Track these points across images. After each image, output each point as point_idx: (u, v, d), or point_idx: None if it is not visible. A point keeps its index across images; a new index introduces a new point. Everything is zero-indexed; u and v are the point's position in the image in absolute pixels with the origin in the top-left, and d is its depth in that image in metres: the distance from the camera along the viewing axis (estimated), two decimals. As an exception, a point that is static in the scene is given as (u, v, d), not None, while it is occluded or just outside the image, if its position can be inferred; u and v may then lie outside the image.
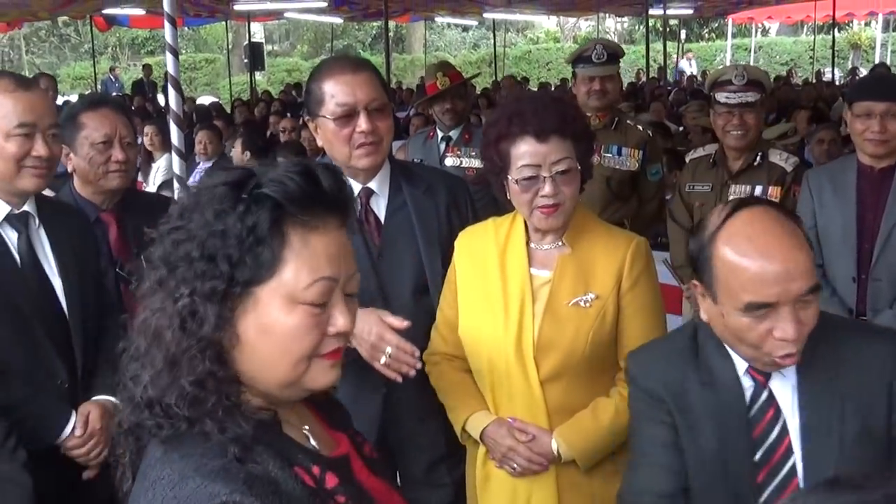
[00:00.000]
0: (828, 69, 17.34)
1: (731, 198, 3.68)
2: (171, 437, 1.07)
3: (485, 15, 14.47)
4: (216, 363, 1.07)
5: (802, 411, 1.66)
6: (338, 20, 15.71)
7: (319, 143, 2.47)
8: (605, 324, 2.07)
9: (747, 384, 1.69)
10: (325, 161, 2.52)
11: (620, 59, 4.31)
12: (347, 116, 2.30)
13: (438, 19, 17.59)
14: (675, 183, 4.30)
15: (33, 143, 2.29)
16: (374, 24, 29.84)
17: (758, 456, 1.67)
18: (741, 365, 1.69)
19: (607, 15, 17.40)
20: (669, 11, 15.16)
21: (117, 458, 1.15)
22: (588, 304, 2.05)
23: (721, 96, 3.57)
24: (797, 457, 1.65)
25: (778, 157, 3.64)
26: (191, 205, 1.10)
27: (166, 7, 4.28)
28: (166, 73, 4.94)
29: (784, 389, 1.67)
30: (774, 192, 3.57)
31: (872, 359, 1.64)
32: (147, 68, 18.58)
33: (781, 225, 1.57)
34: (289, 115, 9.19)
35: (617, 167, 4.02)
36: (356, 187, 2.45)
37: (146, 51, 28.82)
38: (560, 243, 2.10)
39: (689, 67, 20.60)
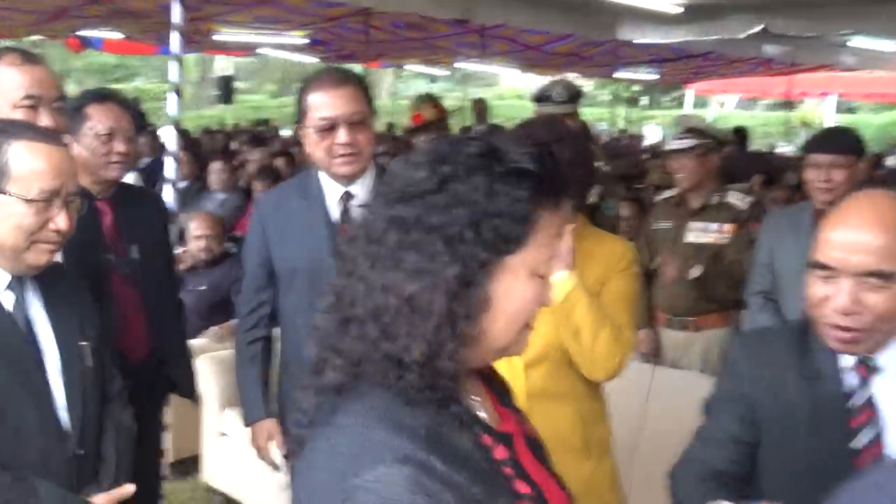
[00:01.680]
0: (780, 144, 18.00)
1: (689, 234, 3.97)
2: (388, 389, 1.11)
3: (455, 65, 14.81)
4: (477, 327, 1.13)
5: None
6: (312, 60, 15.89)
7: (305, 148, 2.63)
8: None
9: (851, 380, 1.68)
10: (311, 170, 2.68)
11: (579, 100, 4.57)
12: (328, 129, 2.46)
13: (408, 67, 17.90)
14: (636, 226, 4.60)
15: (38, 115, 2.39)
16: (345, 66, 30.13)
17: (856, 446, 1.65)
18: (847, 360, 1.70)
19: (577, 76, 17.90)
20: (635, 76, 15.69)
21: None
22: None
23: (669, 145, 3.98)
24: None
25: (734, 198, 3.97)
26: (446, 172, 1.13)
27: (173, 47, 4.41)
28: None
29: (889, 390, 1.65)
30: (729, 229, 3.89)
31: None
32: (115, 94, 18.51)
33: (883, 207, 1.58)
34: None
35: None
36: (338, 191, 2.60)
37: (113, 78, 28.72)
38: None
39: (652, 134, 21.18)
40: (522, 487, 1.19)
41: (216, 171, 6.88)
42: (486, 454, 1.17)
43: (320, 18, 10.76)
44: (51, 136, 2.02)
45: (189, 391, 3.20)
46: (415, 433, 1.08)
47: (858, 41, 11.23)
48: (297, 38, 12.25)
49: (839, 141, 3.36)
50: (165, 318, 3.00)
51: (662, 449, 2.12)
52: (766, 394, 1.77)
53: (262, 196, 3.27)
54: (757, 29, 9.47)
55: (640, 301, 2.35)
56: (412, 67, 18.48)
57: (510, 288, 1.15)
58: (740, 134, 11.57)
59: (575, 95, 4.40)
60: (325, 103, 2.47)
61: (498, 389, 1.34)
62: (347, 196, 2.61)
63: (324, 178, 2.63)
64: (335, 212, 2.62)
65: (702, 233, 3.99)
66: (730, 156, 9.31)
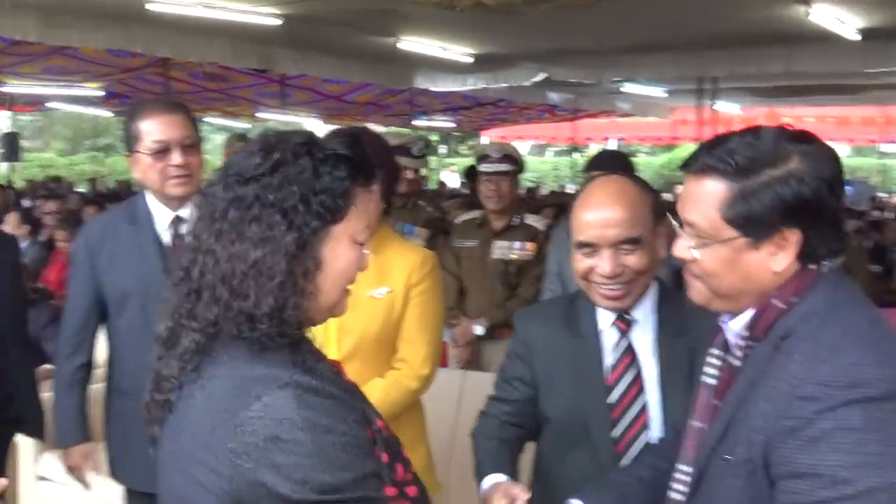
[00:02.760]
0: (569, 185, 19.35)
1: (496, 251, 4.37)
2: (244, 341, 1.29)
3: (257, 115, 14.86)
4: (313, 284, 1.33)
5: (657, 358, 1.95)
6: (107, 114, 15.48)
7: (136, 175, 2.73)
8: (392, 313, 2.47)
9: (612, 335, 2.00)
10: (139, 197, 2.78)
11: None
12: (162, 152, 2.60)
13: (209, 120, 17.68)
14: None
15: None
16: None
17: (615, 396, 1.96)
18: (606, 318, 2.00)
19: (376, 125, 18.42)
20: (432, 124, 16.37)
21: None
22: (381, 296, 2.44)
23: (483, 167, 4.28)
24: (648, 398, 1.95)
25: (533, 220, 4.39)
26: (277, 158, 1.33)
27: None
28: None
29: (644, 338, 1.98)
30: (530, 247, 4.30)
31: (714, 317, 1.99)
32: None
33: (619, 187, 1.91)
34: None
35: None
36: (168, 215, 2.72)
37: None
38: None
39: (451, 179, 22.04)
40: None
41: (12, 221, 6.64)
42: (339, 376, 1.41)
43: (116, 69, 10.53)
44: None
45: (38, 431, 3.11)
46: (284, 364, 1.27)
47: (631, 88, 12.40)
48: (91, 90, 11.94)
49: (614, 160, 3.85)
50: (10, 357, 2.95)
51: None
52: (540, 354, 2.08)
53: (89, 223, 3.27)
54: (540, 77, 10.29)
55: (442, 309, 2.64)
56: (213, 120, 18.27)
57: (336, 251, 1.36)
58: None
59: (428, 151, 4.77)
60: (158, 128, 2.59)
61: None
62: (178, 220, 2.72)
63: (152, 203, 2.72)
64: (166, 236, 2.72)
65: (507, 250, 4.42)
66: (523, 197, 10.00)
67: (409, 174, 4.55)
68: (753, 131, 1.40)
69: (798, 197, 1.34)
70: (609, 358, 2.00)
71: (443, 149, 30.24)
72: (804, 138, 1.39)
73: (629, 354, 1.99)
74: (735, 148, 1.37)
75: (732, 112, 16.27)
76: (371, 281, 2.45)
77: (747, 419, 1.36)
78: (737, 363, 1.45)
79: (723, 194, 1.38)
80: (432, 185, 16.60)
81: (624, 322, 2.01)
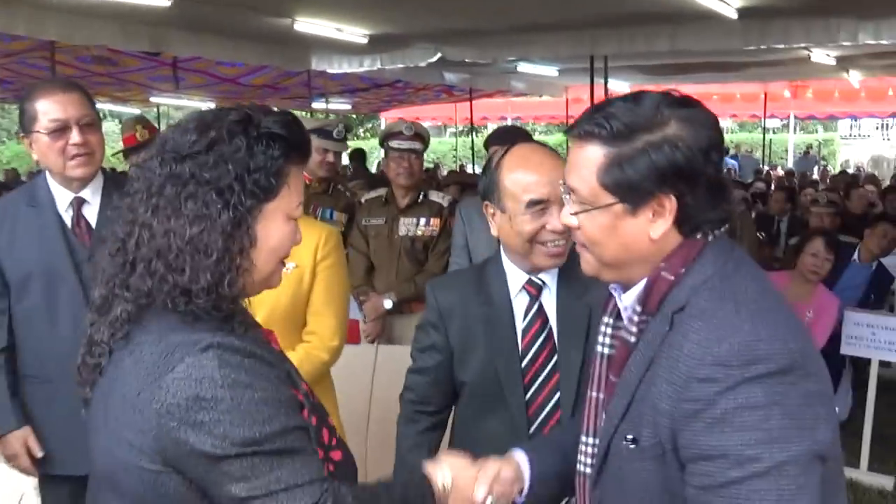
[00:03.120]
0: (469, 165, 19.55)
1: (401, 227, 4.45)
2: (178, 313, 1.35)
3: (152, 100, 14.48)
4: (248, 260, 1.38)
5: (559, 319, 2.05)
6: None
7: (34, 157, 2.70)
8: (301, 286, 2.58)
9: (523, 299, 2.09)
10: (38, 178, 2.75)
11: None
12: (60, 130, 2.58)
13: (100, 106, 17.06)
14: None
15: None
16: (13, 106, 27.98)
17: (526, 359, 2.05)
18: (516, 283, 2.10)
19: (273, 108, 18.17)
20: (330, 106, 16.28)
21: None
22: (289, 271, 2.51)
23: (394, 143, 4.30)
24: (560, 361, 2.04)
25: (436, 196, 4.49)
26: (212, 136, 1.37)
27: None
28: None
29: (551, 302, 2.08)
30: (435, 223, 4.40)
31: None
32: None
33: (545, 150, 2.05)
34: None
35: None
36: (68, 196, 2.71)
37: None
38: None
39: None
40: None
41: None
42: (267, 343, 1.48)
43: (-2, 54, 10.14)
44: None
45: None
46: (209, 328, 1.35)
47: (525, 67, 12.61)
48: (-29, 75, 11.41)
49: (516, 132, 4.03)
50: None
51: (390, 414, 2.44)
52: (454, 320, 2.15)
53: None
54: (435, 58, 10.37)
55: (347, 283, 2.74)
56: (104, 106, 17.69)
57: (270, 228, 1.43)
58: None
59: (348, 134, 4.77)
60: (55, 107, 2.58)
61: None
62: (79, 201, 2.71)
63: (53, 185, 2.69)
64: (66, 217, 2.70)
65: (413, 227, 4.51)
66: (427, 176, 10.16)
67: (330, 157, 4.57)
68: (635, 96, 1.40)
69: (672, 163, 1.33)
70: (521, 323, 2.08)
71: (341, 131, 29.99)
72: (685, 103, 1.39)
73: (540, 318, 2.08)
74: (614, 112, 1.37)
75: (622, 90, 16.73)
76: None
77: (649, 399, 1.35)
78: (632, 339, 1.44)
79: (601, 160, 1.37)
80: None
81: (534, 286, 2.10)
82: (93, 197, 2.73)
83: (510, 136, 3.74)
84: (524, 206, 1.99)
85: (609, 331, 1.54)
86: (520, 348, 2.07)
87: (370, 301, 4.53)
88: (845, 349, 5.11)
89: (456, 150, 25.10)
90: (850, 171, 20.81)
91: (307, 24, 8.90)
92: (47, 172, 2.71)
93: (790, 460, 1.23)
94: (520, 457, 1.75)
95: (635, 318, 1.43)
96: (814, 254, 4.88)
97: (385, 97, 16.06)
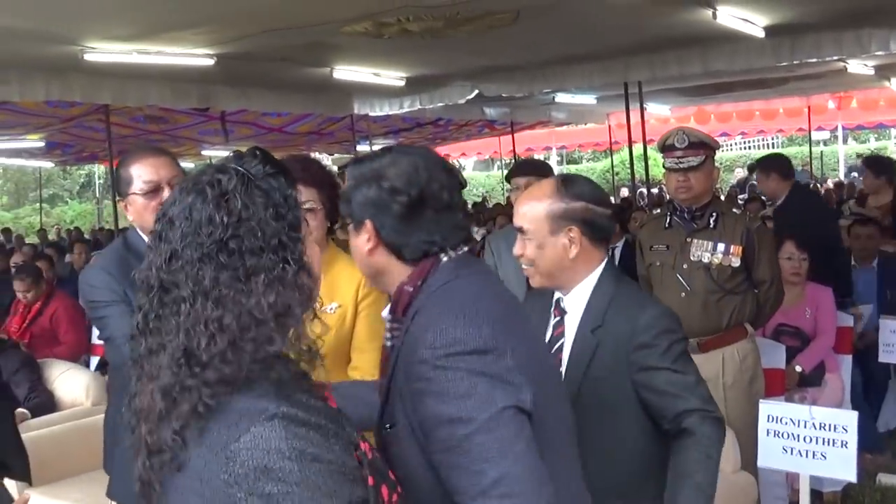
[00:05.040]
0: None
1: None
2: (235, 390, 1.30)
3: (203, 153, 14.93)
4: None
5: (573, 345, 2.29)
6: (49, 164, 15.44)
7: (130, 217, 2.90)
8: (344, 325, 2.71)
9: (552, 319, 2.36)
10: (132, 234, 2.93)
11: None
12: (154, 191, 2.78)
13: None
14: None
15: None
16: (82, 171, 29.12)
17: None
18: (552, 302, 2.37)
19: (320, 154, 18.60)
20: (375, 148, 16.59)
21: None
22: (332, 311, 2.67)
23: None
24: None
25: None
26: (232, 206, 1.34)
27: None
28: None
29: (572, 327, 2.31)
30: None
31: (625, 324, 2.22)
32: None
33: (533, 189, 2.33)
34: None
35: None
36: None
37: None
38: None
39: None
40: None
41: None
42: (325, 403, 1.41)
43: (57, 120, 10.61)
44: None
45: (24, 473, 3.18)
46: (269, 396, 1.30)
47: (563, 98, 12.78)
48: (33, 141, 11.97)
49: (532, 166, 4.19)
50: None
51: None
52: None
53: (93, 267, 3.22)
54: (472, 94, 10.61)
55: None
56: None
57: (313, 258, 1.44)
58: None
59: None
60: (148, 171, 2.76)
61: None
62: None
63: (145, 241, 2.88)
64: None
65: None
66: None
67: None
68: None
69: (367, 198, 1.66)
70: (546, 336, 2.35)
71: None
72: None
73: (559, 340, 2.33)
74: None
75: (663, 113, 16.77)
76: (322, 298, 2.70)
77: (396, 388, 1.61)
78: (388, 343, 1.73)
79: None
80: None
81: (558, 309, 2.35)
82: None
83: (524, 169, 3.98)
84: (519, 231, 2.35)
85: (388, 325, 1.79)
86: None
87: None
88: (883, 357, 5.09)
89: (503, 182, 25.29)
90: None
91: (345, 72, 9.21)
92: (139, 230, 2.86)
93: (496, 415, 1.48)
94: None
95: (388, 325, 1.73)
96: (788, 258, 4.87)
97: (429, 135, 16.31)
